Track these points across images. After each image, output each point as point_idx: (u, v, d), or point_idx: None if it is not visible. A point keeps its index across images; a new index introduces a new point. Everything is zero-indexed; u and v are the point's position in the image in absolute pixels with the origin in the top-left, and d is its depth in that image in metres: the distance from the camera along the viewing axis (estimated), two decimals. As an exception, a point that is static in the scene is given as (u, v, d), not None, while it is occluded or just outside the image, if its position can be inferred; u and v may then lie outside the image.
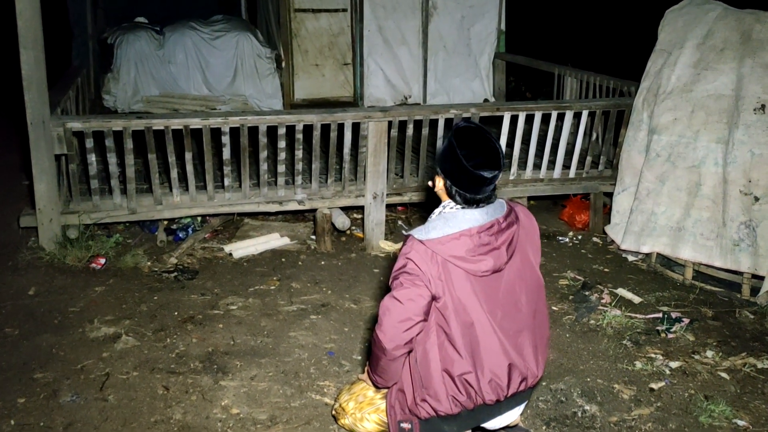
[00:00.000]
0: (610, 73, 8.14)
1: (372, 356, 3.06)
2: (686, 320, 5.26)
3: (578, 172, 7.03)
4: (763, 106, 5.66)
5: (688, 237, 6.00)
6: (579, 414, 4.19)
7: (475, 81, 11.10)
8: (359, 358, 4.77)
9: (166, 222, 6.68)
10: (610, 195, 7.32)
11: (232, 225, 7.01)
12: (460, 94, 11.09)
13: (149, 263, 6.05)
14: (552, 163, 6.94)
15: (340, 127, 6.24)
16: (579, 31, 16.31)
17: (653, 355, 4.82)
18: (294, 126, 6.13)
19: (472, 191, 2.83)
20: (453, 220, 2.90)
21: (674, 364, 4.71)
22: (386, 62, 10.70)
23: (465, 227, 2.87)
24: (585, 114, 6.80)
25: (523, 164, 6.91)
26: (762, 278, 5.71)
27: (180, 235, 6.54)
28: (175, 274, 5.90)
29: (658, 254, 6.27)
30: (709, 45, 6.04)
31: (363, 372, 3.68)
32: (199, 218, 6.74)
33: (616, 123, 6.99)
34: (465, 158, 2.77)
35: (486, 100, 11.12)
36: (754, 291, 5.75)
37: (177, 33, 10.35)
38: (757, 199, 5.69)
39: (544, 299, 3.15)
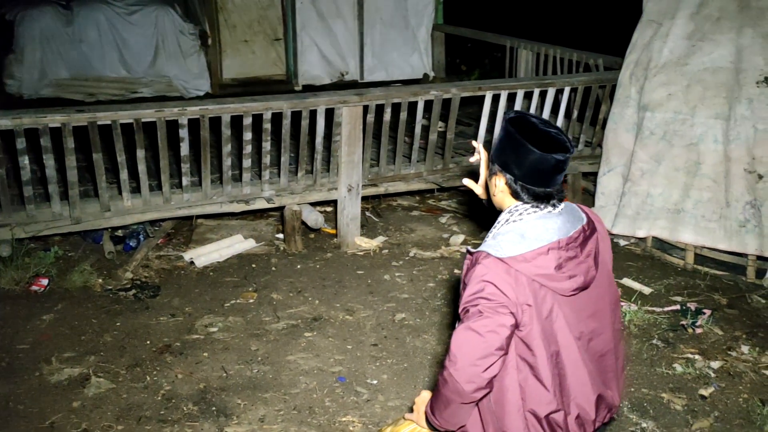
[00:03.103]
0: (565, 45, 7.75)
1: (439, 398, 2.48)
2: (707, 311, 4.94)
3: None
4: (766, 79, 5.37)
5: (688, 219, 5.68)
6: (638, 433, 3.77)
7: (413, 55, 10.56)
8: (375, 382, 4.18)
9: (110, 229, 5.80)
10: (587, 175, 6.97)
11: (186, 227, 6.20)
12: (398, 69, 10.55)
13: (100, 280, 5.20)
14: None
15: (312, 115, 5.54)
16: (528, 2, 15.68)
17: (690, 356, 4.46)
18: (261, 115, 5.37)
19: (543, 182, 2.35)
20: (532, 230, 2.37)
21: (715, 365, 4.37)
22: (321, 37, 10.01)
23: (552, 239, 2.37)
24: (567, 90, 6.35)
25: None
26: (767, 260, 5.47)
27: (130, 244, 5.69)
28: (134, 291, 5.09)
29: (654, 238, 5.95)
30: (704, 14, 5.68)
31: (408, 405, 3.08)
32: (148, 222, 5.89)
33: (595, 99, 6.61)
34: (531, 143, 2.30)
35: (426, 75, 10.61)
36: (759, 273, 5.51)
37: (87, 8, 9.22)
38: (761, 177, 5.42)
39: (620, 316, 2.69)
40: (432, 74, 10.56)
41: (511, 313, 2.30)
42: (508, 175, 2.39)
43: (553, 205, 2.41)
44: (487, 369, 2.33)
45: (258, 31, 9.91)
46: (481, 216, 6.59)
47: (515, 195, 2.42)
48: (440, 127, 6.37)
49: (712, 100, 5.56)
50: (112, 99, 9.08)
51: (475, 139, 6.23)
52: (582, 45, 7.87)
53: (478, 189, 2.88)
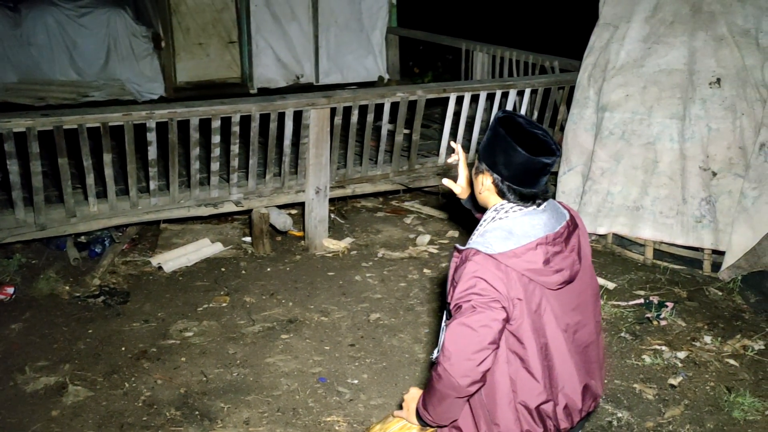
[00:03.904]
0: (519, 48, 7.89)
1: (433, 394, 2.53)
2: (670, 304, 5.12)
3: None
4: (718, 80, 5.59)
5: (647, 216, 5.87)
6: (615, 423, 3.89)
7: (368, 58, 10.60)
8: (356, 382, 4.21)
9: (73, 235, 5.68)
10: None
11: (150, 232, 6.12)
12: (353, 72, 10.58)
13: (68, 288, 5.11)
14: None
15: (280, 117, 5.54)
16: (480, 4, 15.75)
17: (657, 347, 4.62)
18: (229, 118, 5.35)
19: (529, 184, 2.42)
20: (519, 226, 2.45)
21: (681, 355, 4.53)
22: (276, 39, 9.97)
23: (540, 234, 2.45)
24: (528, 92, 6.49)
25: (466, 148, 6.50)
26: (722, 253, 5.69)
27: (96, 250, 5.59)
28: (103, 298, 5.01)
29: (614, 234, 6.13)
30: (659, 18, 5.88)
31: (397, 404, 3.11)
32: (113, 227, 5.79)
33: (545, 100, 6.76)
34: (519, 145, 2.35)
35: (380, 78, 10.67)
36: (715, 266, 5.73)
37: (36, 10, 8.98)
38: (714, 174, 5.64)
39: (600, 308, 2.80)
40: (387, 77, 10.63)
41: (503, 307, 2.36)
42: (495, 175, 2.44)
43: (538, 204, 2.49)
44: (481, 363, 2.38)
45: (212, 34, 9.83)
46: (447, 217, 6.69)
47: (501, 194, 2.48)
48: (391, 128, 6.42)
49: (668, 100, 5.76)
50: (63, 103, 8.87)
51: (440, 142, 6.37)
52: (534, 48, 8.03)
53: (457, 188, 2.94)
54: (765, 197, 5.51)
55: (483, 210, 2.96)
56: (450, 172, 6.44)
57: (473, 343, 2.36)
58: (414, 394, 2.68)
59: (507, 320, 2.40)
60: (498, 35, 10.43)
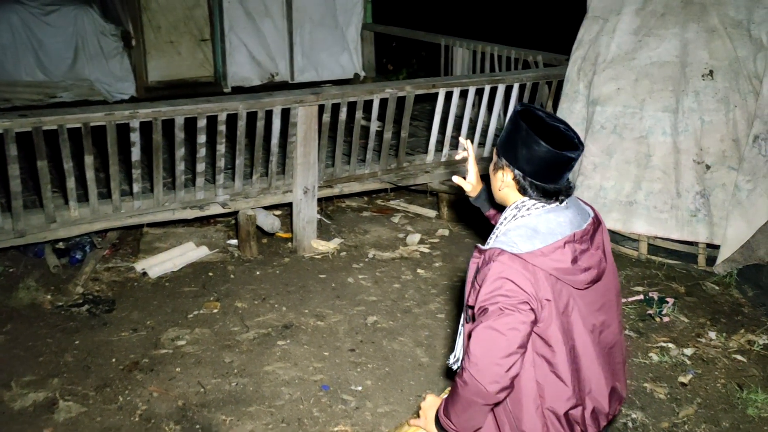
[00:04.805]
0: (499, 43, 7.79)
1: (458, 402, 2.40)
2: (670, 300, 5.06)
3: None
4: (711, 72, 5.55)
5: (641, 211, 5.81)
6: (630, 425, 3.80)
7: (343, 55, 10.44)
8: (359, 389, 4.05)
9: (51, 241, 5.41)
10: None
11: (131, 237, 5.88)
12: (328, 69, 10.41)
13: (49, 297, 4.86)
14: (482, 145, 6.52)
15: (267, 115, 5.35)
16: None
17: (663, 344, 4.54)
18: (216, 117, 5.15)
19: (552, 179, 2.32)
20: (544, 224, 2.35)
21: (688, 352, 4.46)
22: (249, 37, 9.76)
23: (566, 232, 2.35)
24: (516, 87, 6.38)
25: (453, 145, 6.38)
26: (716, 247, 5.65)
27: (76, 257, 5.34)
28: (87, 307, 4.78)
29: (607, 230, 6.05)
30: (649, 10, 5.82)
31: (414, 412, 2.95)
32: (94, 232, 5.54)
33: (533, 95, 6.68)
34: (543, 140, 2.25)
35: (356, 75, 10.52)
36: (710, 260, 5.69)
37: (-1, 8, 8.65)
38: (708, 167, 5.59)
39: (621, 307, 2.70)
40: (363, 74, 10.47)
41: (532, 309, 2.27)
42: (517, 171, 2.34)
43: (560, 200, 2.39)
44: (510, 368, 2.28)
45: (184, 32, 9.56)
46: (435, 215, 6.56)
47: (522, 191, 2.38)
48: (378, 127, 6.27)
49: (660, 93, 5.70)
50: (30, 105, 8.54)
51: (428, 139, 6.23)
52: (514, 43, 7.91)
53: (467, 186, 2.82)
54: (759, 190, 5.48)
55: (498, 208, 2.85)
56: (437, 170, 6.31)
57: (502, 347, 2.26)
58: (431, 402, 2.56)
59: (535, 322, 2.29)
60: (475, 30, 10.35)
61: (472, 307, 2.43)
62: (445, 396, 2.56)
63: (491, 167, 2.47)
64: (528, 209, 2.38)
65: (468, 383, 2.30)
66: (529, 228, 2.33)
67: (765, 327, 4.78)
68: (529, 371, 2.38)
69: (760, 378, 4.21)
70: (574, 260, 2.33)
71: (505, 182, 2.40)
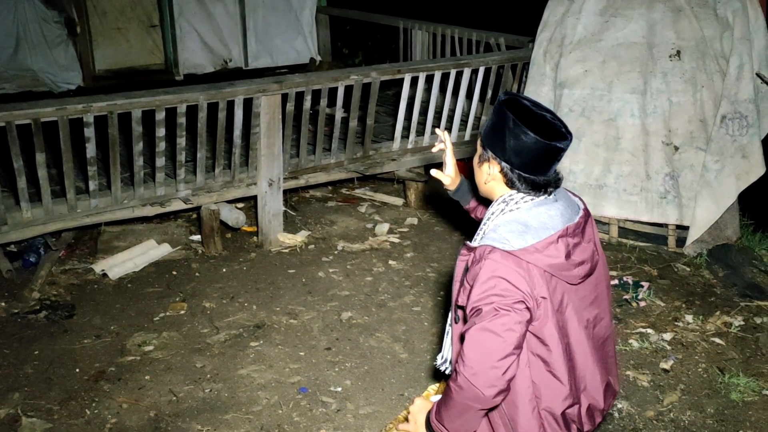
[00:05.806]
0: (459, 25, 7.65)
1: (452, 406, 2.29)
2: (645, 284, 5.03)
3: (461, 134, 6.49)
4: (678, 52, 5.51)
5: (611, 194, 5.76)
6: (616, 415, 3.74)
7: (298, 39, 10.20)
8: (339, 389, 3.91)
9: (1, 244, 5.12)
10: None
11: (87, 236, 5.61)
12: (283, 54, 10.18)
13: (3, 304, 4.60)
14: (448, 129, 6.39)
15: (229, 106, 5.13)
16: None
17: (642, 330, 4.50)
18: (175, 109, 4.91)
19: (541, 171, 2.24)
20: (535, 218, 2.27)
21: (667, 336, 4.43)
22: (201, 22, 9.46)
23: (559, 227, 2.28)
24: (482, 71, 6.26)
25: (419, 131, 6.24)
26: (685, 228, 5.64)
27: (30, 260, 5.06)
28: (45, 313, 4.53)
29: (576, 214, 6.00)
30: (615, -9, 5.76)
31: (400, 415, 2.83)
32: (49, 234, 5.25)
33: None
34: (531, 130, 2.16)
35: (312, 60, 10.29)
36: (679, 242, 5.68)
37: (-67, -4, 8.18)
38: (677, 148, 5.57)
39: (611, 299, 2.63)
40: (319, 58, 10.24)
41: (527, 308, 2.18)
42: (504, 163, 2.24)
43: (549, 192, 2.30)
44: (506, 370, 2.19)
45: (131, 18, 9.20)
46: (402, 203, 6.42)
47: (510, 183, 2.29)
48: (343, 114, 6.09)
49: (628, 75, 5.64)
50: (-31, 97, 8.14)
51: (393, 126, 6.08)
52: (473, 25, 7.78)
53: (446, 179, 2.71)
54: (727, 170, 5.48)
55: (480, 200, 2.74)
56: (404, 157, 6.17)
57: (498, 349, 2.16)
58: (420, 406, 2.45)
59: (530, 321, 2.21)
60: (434, 12, 10.20)
61: (462, 308, 2.33)
62: (435, 398, 2.46)
63: (475, 159, 2.37)
64: (516, 203, 2.28)
65: (463, 387, 2.20)
66: (520, 223, 2.23)
67: (738, 308, 4.79)
68: (525, 372, 2.30)
69: (739, 361, 4.20)
70: (568, 255, 2.26)
71: (491, 175, 2.30)
